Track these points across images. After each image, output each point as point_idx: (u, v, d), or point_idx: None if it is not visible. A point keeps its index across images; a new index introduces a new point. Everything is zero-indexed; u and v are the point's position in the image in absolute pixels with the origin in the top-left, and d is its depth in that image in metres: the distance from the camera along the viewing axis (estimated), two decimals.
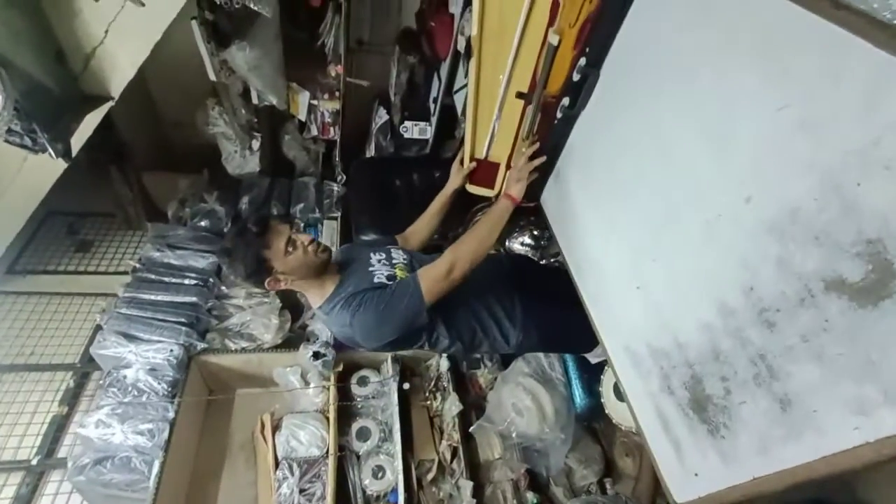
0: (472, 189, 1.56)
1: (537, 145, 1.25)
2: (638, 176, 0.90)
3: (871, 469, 0.51)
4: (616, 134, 0.96)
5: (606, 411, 1.62)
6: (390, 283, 1.19)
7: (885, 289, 0.48)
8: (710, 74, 0.72)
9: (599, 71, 0.99)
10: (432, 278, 1.14)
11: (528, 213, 2.27)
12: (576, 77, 1.01)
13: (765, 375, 0.62)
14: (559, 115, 1.10)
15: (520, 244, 2.23)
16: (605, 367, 1.67)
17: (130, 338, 1.84)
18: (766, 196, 0.63)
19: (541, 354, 1.90)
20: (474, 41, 1.17)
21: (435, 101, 2.54)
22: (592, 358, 1.61)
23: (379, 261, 1.29)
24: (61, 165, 1.83)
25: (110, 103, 1.67)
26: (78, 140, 1.71)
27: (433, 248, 1.54)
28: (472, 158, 1.48)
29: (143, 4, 1.33)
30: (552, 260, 2.02)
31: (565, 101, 1.06)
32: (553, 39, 1.02)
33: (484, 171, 1.51)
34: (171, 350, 1.82)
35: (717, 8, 0.69)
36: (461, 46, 2.17)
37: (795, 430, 0.58)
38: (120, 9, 1.42)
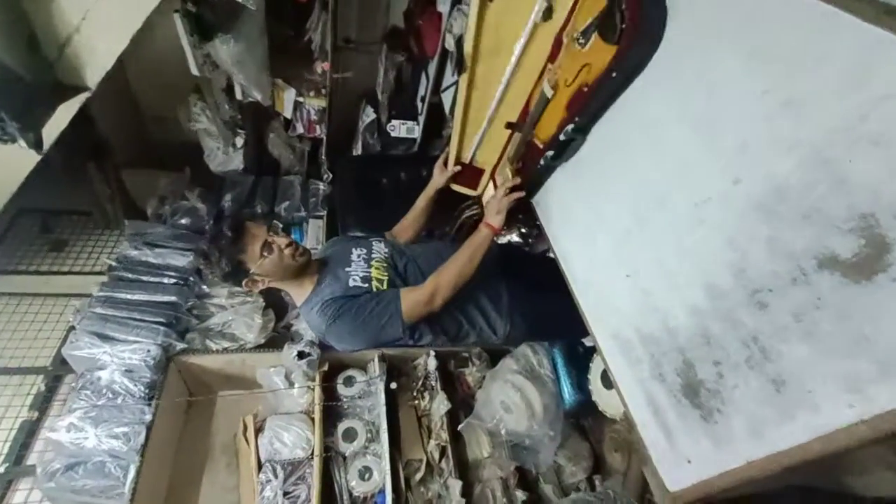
0: (455, 187, 1.56)
1: (518, 180, 1.27)
2: (625, 164, 0.90)
3: (866, 447, 0.50)
4: (604, 126, 0.96)
5: (594, 398, 1.62)
6: (365, 289, 1.18)
7: (878, 263, 0.48)
8: (695, 63, 0.72)
9: (586, 136, 1.01)
10: (413, 302, 1.16)
11: (518, 211, 2.28)
12: (562, 137, 1.02)
13: (758, 357, 0.62)
14: (542, 162, 1.13)
15: (507, 242, 2.22)
16: (594, 357, 1.67)
17: (105, 338, 1.77)
18: (754, 177, 0.62)
19: (529, 351, 1.89)
20: (468, 56, 1.17)
21: (422, 99, 2.53)
22: (588, 341, 1.61)
23: (358, 256, 1.28)
24: (33, 159, 1.76)
25: (87, 94, 1.61)
26: (51, 132, 1.65)
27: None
28: (457, 161, 1.48)
29: None
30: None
31: (549, 153, 1.09)
32: (547, 91, 1.04)
33: (468, 174, 1.52)
34: (149, 350, 1.75)
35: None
36: (449, 45, 2.17)
37: (790, 410, 0.57)
38: None
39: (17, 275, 2.36)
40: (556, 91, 1.02)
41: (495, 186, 1.46)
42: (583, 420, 1.94)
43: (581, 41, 0.91)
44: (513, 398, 1.75)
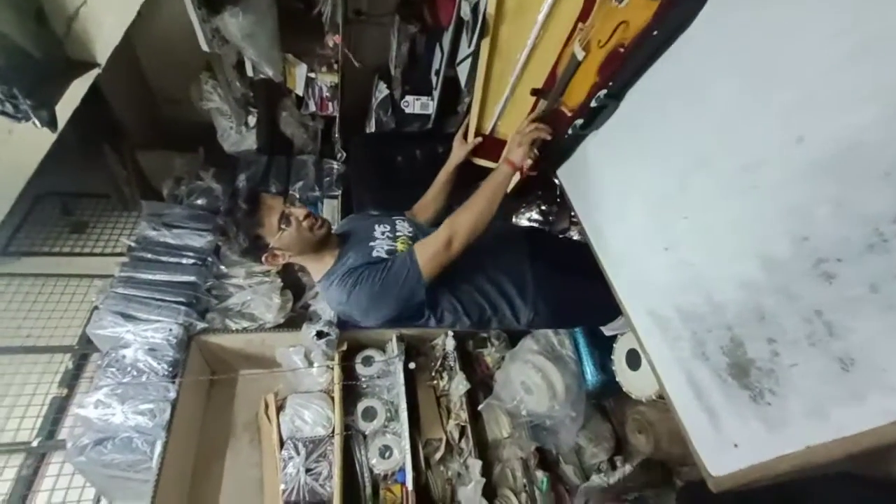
0: (477, 161, 1.50)
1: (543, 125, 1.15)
2: (663, 126, 0.82)
3: None
4: (638, 83, 0.88)
5: (618, 379, 1.58)
6: (388, 258, 1.12)
7: None
8: (744, 6, 0.64)
9: (619, 102, 0.92)
10: (430, 253, 1.08)
11: (536, 188, 2.20)
12: (593, 104, 0.94)
13: (821, 333, 0.56)
14: (570, 132, 1.05)
15: (527, 220, 2.16)
16: (617, 337, 1.62)
17: (128, 317, 1.79)
18: (821, 133, 0.55)
19: (550, 331, 1.85)
20: (490, 18, 1.10)
21: (437, 73, 2.43)
22: (607, 330, 1.55)
23: (383, 233, 1.22)
24: (49, 140, 1.75)
25: (97, 70, 1.58)
26: (65, 110, 1.63)
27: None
28: (477, 133, 1.41)
29: None
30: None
31: (578, 121, 1.01)
32: (578, 53, 0.95)
33: (489, 146, 1.45)
34: (171, 329, 1.76)
35: None
36: (465, 13, 2.06)
37: (860, 391, 0.51)
38: None
39: (40, 256, 2.40)
40: (588, 53, 0.94)
41: None
42: (604, 401, 1.90)
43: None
44: (533, 379, 1.72)
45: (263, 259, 1.12)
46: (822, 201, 0.56)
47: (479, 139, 1.41)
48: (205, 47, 2.05)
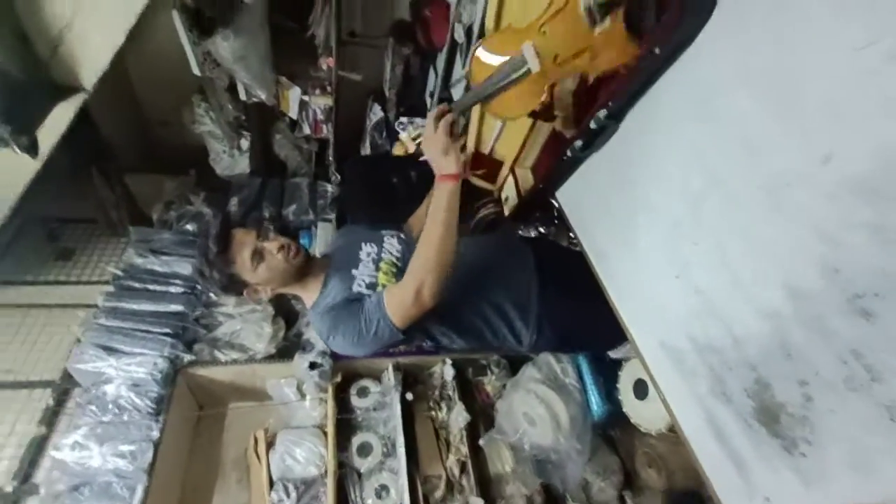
0: (473, 179, 1.46)
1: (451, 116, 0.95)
2: (672, 143, 0.77)
3: None
4: (643, 100, 0.84)
5: (625, 410, 1.50)
6: (367, 294, 1.06)
7: None
8: (759, 14, 0.60)
9: (620, 123, 0.87)
10: (397, 304, 0.99)
11: (535, 208, 2.16)
12: (593, 125, 0.89)
13: (861, 378, 0.50)
14: (568, 153, 0.99)
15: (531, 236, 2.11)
16: (623, 364, 1.55)
17: (111, 351, 1.71)
18: (852, 151, 0.50)
19: (552, 358, 1.78)
20: (488, 33, 1.07)
21: (431, 95, 2.43)
22: (614, 353, 1.48)
23: (368, 254, 1.17)
24: (33, 166, 1.70)
25: (83, 95, 1.54)
26: (50, 136, 1.59)
27: None
28: (475, 153, 1.38)
29: None
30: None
31: (578, 143, 0.95)
32: (532, 62, 0.83)
33: (486, 166, 1.41)
34: (156, 363, 1.68)
35: None
36: (459, 36, 2.06)
37: None
38: None
39: (23, 285, 2.32)
40: (541, 65, 0.82)
41: (515, 180, 1.34)
42: (611, 430, 1.82)
43: (592, 17, 0.72)
44: (536, 410, 1.64)
45: (245, 294, 1.08)
46: (855, 227, 0.50)
47: (473, 150, 1.37)
48: (196, 71, 2.03)
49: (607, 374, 1.61)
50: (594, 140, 0.95)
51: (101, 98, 1.67)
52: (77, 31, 1.39)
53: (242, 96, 2.29)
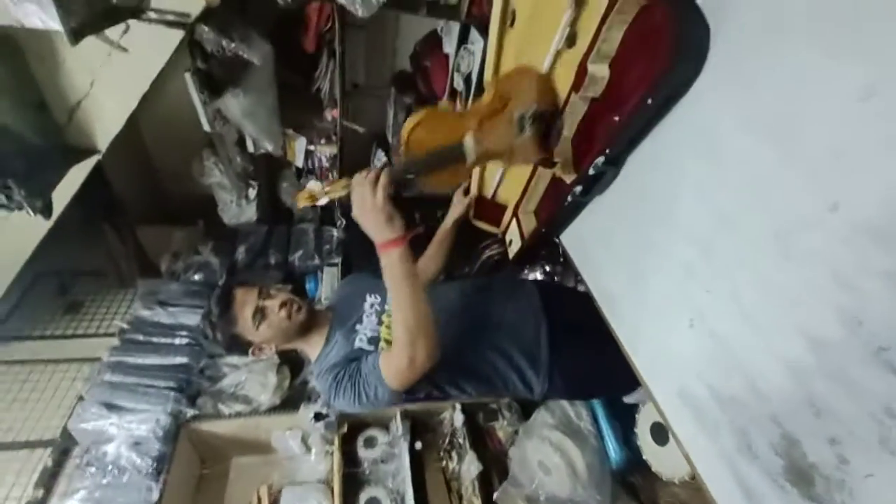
0: (477, 223, 1.46)
1: (385, 179, 0.90)
2: (677, 185, 0.77)
3: None
4: (649, 139, 0.85)
5: (645, 457, 1.42)
6: (367, 352, 1.05)
7: None
8: (756, 63, 0.61)
9: (619, 168, 0.89)
10: (395, 373, 0.95)
11: (540, 247, 2.15)
12: (592, 171, 0.90)
13: None
14: (570, 199, 1.00)
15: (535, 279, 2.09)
16: (639, 407, 1.48)
17: (113, 408, 1.68)
18: (860, 198, 0.50)
19: (566, 402, 1.72)
20: (487, 85, 1.10)
21: None
22: (628, 398, 1.43)
23: (371, 306, 1.16)
24: (45, 225, 1.74)
25: (97, 157, 1.60)
26: (64, 195, 1.63)
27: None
28: (478, 197, 1.40)
29: (126, 50, 1.27)
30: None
31: (577, 188, 0.96)
32: (468, 147, 0.90)
33: (490, 209, 1.42)
34: (158, 420, 1.64)
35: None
36: (458, 84, 2.14)
37: None
38: (106, 57, 1.37)
39: (31, 340, 2.32)
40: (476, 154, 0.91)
41: (518, 224, 1.35)
42: (630, 477, 1.72)
43: (521, 125, 0.84)
44: (552, 458, 1.57)
45: (250, 353, 1.07)
46: (872, 275, 0.49)
47: (476, 193, 1.38)
48: (206, 128, 2.11)
49: (624, 417, 1.54)
50: (594, 186, 0.95)
51: (113, 156, 1.74)
52: (95, 99, 1.46)
53: (250, 148, 2.36)
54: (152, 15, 1.34)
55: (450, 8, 1.89)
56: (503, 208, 1.38)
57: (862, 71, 0.49)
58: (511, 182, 1.28)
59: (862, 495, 0.50)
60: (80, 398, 1.73)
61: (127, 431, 1.61)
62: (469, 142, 0.88)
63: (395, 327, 0.94)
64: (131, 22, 1.32)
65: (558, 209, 1.09)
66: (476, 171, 1.33)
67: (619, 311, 0.96)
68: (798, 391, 0.57)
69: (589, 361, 1.18)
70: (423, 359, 0.93)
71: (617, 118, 0.81)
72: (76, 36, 1.10)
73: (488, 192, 1.36)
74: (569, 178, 1.00)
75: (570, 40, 0.92)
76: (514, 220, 1.38)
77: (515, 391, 1.18)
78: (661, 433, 1.38)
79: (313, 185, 0.92)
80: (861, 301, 0.50)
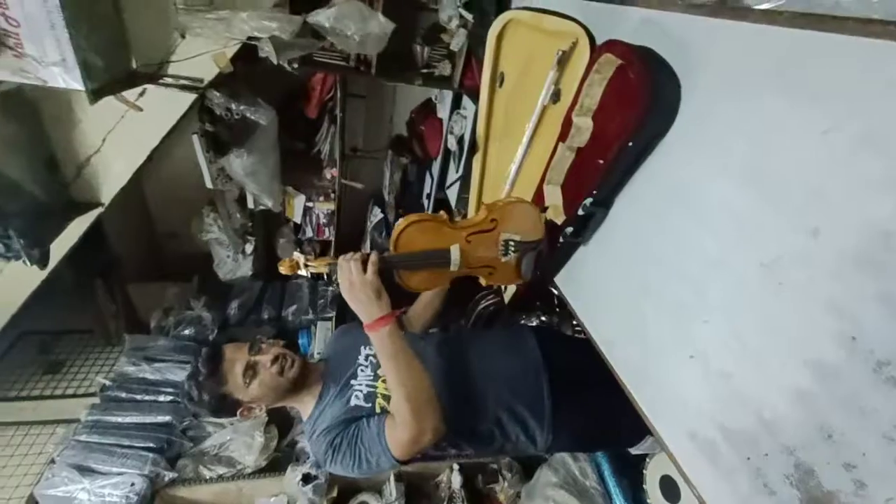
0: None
1: (375, 257, 0.93)
2: (661, 227, 0.81)
3: None
4: (630, 189, 0.90)
5: None
6: (367, 410, 1.02)
7: None
8: (725, 115, 0.67)
9: (608, 210, 0.95)
10: (401, 445, 0.94)
11: (535, 297, 2.16)
12: (581, 212, 0.96)
13: None
14: (562, 239, 1.05)
15: (538, 326, 2.07)
16: (646, 461, 1.41)
17: (85, 471, 1.56)
18: (841, 224, 0.53)
19: (569, 458, 1.63)
20: (479, 138, 1.19)
21: (428, 196, 2.59)
22: (635, 450, 1.36)
23: (367, 357, 1.13)
24: (38, 278, 1.73)
25: (99, 209, 1.63)
26: (60, 248, 1.64)
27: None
28: None
29: (141, 110, 1.36)
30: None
31: (568, 230, 1.02)
32: (454, 257, 0.97)
33: None
34: (133, 484, 1.53)
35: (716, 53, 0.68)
36: (451, 145, 2.27)
37: None
38: (120, 118, 1.45)
39: (4, 402, 2.19)
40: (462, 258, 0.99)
41: None
42: None
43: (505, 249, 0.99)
44: None
45: (238, 414, 1.03)
46: (862, 296, 0.51)
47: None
48: (209, 185, 2.18)
49: (630, 473, 1.46)
50: (584, 227, 0.99)
51: (114, 213, 1.78)
52: (104, 156, 1.52)
53: (250, 205, 2.43)
54: (168, 80, 1.45)
55: (443, 79, 2.05)
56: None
57: (820, 113, 0.54)
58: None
59: None
60: (51, 461, 1.61)
61: (98, 498, 1.48)
62: (455, 251, 0.95)
63: (396, 404, 0.93)
64: (147, 85, 1.41)
65: (551, 252, 1.12)
66: (472, 213, 1.37)
67: (620, 354, 0.95)
68: (807, 418, 0.57)
69: (594, 410, 1.14)
70: (430, 433, 0.93)
71: (602, 161, 0.87)
72: (96, 96, 1.18)
73: None
74: (560, 221, 1.04)
75: (556, 96, 1.00)
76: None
77: (518, 446, 1.13)
78: (671, 489, 1.30)
79: (297, 255, 0.95)
80: (853, 320, 0.51)
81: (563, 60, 0.94)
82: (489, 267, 1.02)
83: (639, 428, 1.00)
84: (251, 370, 1.01)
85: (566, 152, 1.00)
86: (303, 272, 0.96)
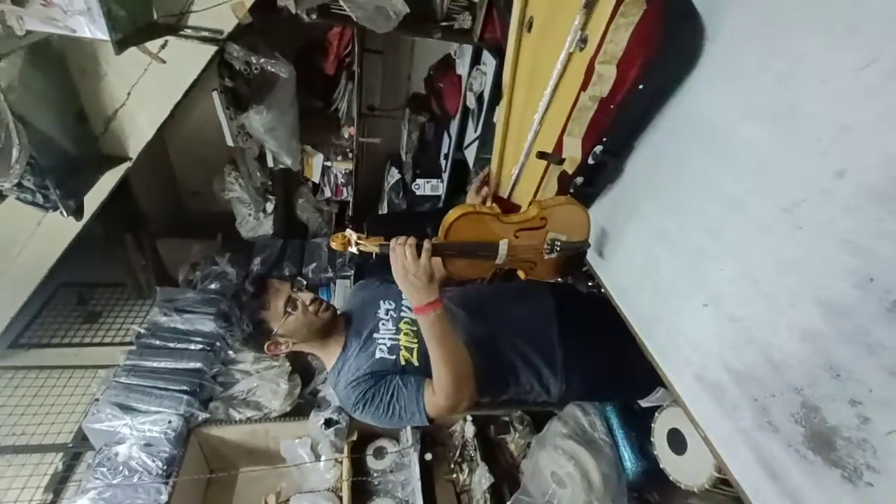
0: None
1: (429, 245, 0.94)
2: (684, 176, 0.80)
3: None
4: (648, 136, 0.88)
5: (661, 466, 1.38)
6: (391, 362, 1.06)
7: None
8: (754, 53, 0.65)
9: (621, 159, 0.93)
10: (436, 407, 1.01)
11: None
12: (591, 161, 0.93)
13: None
14: (571, 190, 1.04)
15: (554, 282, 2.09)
16: (655, 415, 1.45)
17: (127, 409, 1.69)
18: (866, 163, 0.52)
19: (578, 411, 1.68)
20: (505, 86, 1.16)
21: (446, 157, 2.57)
22: (645, 402, 1.40)
23: (387, 312, 1.17)
24: (73, 231, 1.81)
25: (128, 164, 1.68)
26: (93, 202, 1.71)
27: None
28: (495, 196, 1.42)
29: (164, 62, 1.37)
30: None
31: (578, 179, 1.00)
32: (502, 250, 0.99)
33: (505, 208, 1.45)
34: (170, 421, 1.65)
35: None
36: (470, 102, 2.23)
37: None
38: (143, 71, 1.47)
39: (48, 348, 2.36)
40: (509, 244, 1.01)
41: None
42: (648, 494, 1.66)
43: (550, 247, 1.01)
44: (565, 468, 1.52)
45: (266, 348, 1.08)
46: (881, 235, 0.50)
47: (493, 191, 1.40)
48: (230, 143, 2.20)
49: (639, 426, 1.50)
50: (594, 176, 0.97)
51: (141, 171, 1.83)
52: (130, 109, 1.55)
53: (270, 163, 2.45)
54: (188, 31, 1.44)
55: (463, 32, 1.99)
56: (518, 208, 1.40)
57: (855, 48, 0.52)
58: (525, 181, 1.30)
59: (884, 452, 0.50)
60: (96, 400, 1.74)
61: (139, 432, 1.62)
62: (504, 246, 1.00)
63: (439, 376, 0.99)
64: (169, 37, 1.42)
65: None
66: (494, 172, 1.37)
67: (632, 300, 0.97)
68: (817, 357, 0.58)
69: (604, 360, 1.17)
70: (467, 400, 1.00)
71: (612, 106, 0.85)
72: (121, 46, 1.19)
73: (504, 192, 1.38)
74: (572, 171, 1.03)
75: (582, 43, 0.97)
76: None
77: (531, 395, 1.17)
78: (678, 441, 1.34)
79: (350, 232, 0.98)
80: (871, 260, 0.51)
81: (590, 3, 0.90)
82: (531, 262, 1.06)
83: (650, 380, 1.03)
84: (292, 303, 1.07)
85: (588, 102, 0.98)
86: (353, 249, 0.99)
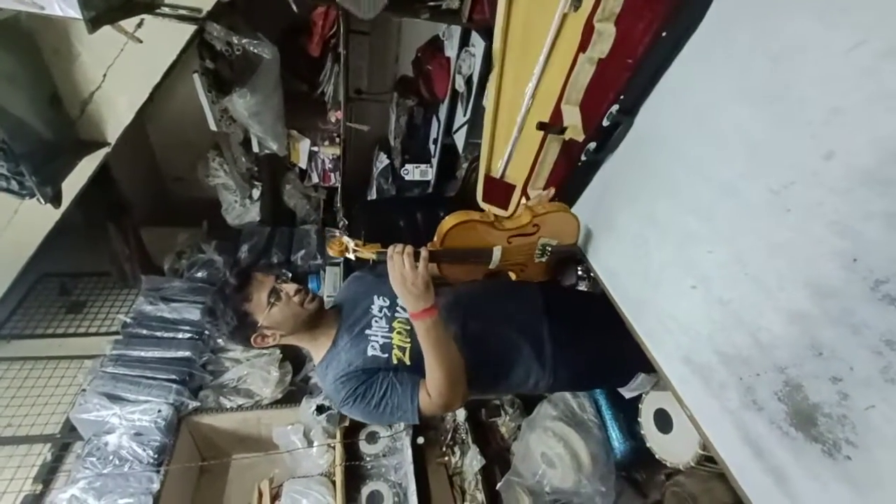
0: (485, 206, 1.47)
1: (426, 253, 0.96)
2: (676, 158, 0.80)
3: None
4: (643, 118, 0.88)
5: (648, 445, 1.42)
6: (383, 360, 1.05)
7: None
8: (747, 34, 0.64)
9: (633, 120, 0.91)
10: (430, 407, 1.00)
11: None
12: (606, 122, 0.92)
13: None
14: (583, 157, 1.01)
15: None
16: (643, 397, 1.48)
17: (115, 399, 1.67)
18: (854, 145, 0.52)
19: (568, 395, 1.71)
20: (496, 53, 1.12)
21: (435, 142, 2.54)
22: (627, 393, 1.43)
23: (380, 309, 1.14)
24: (52, 220, 1.76)
25: (106, 149, 1.63)
26: (72, 189, 1.66)
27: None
28: (486, 176, 1.40)
29: (140, 41, 1.31)
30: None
31: (591, 145, 0.98)
32: (496, 254, 1.07)
33: (498, 191, 1.42)
34: (160, 411, 1.64)
35: None
36: (459, 86, 2.19)
37: None
38: (119, 52, 1.41)
39: (32, 339, 2.32)
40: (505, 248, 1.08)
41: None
42: (635, 473, 1.71)
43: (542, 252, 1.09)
44: (555, 449, 1.56)
45: (252, 340, 1.05)
46: (867, 217, 0.51)
47: (484, 175, 1.39)
48: (213, 127, 2.14)
49: (627, 408, 1.54)
50: (608, 140, 0.95)
51: (121, 156, 1.77)
52: (106, 92, 1.49)
53: (255, 149, 2.40)
54: (166, 10, 1.39)
55: (451, 12, 1.94)
56: (511, 188, 1.37)
57: (848, 28, 0.52)
58: (519, 159, 1.27)
59: (862, 427, 0.51)
60: (83, 390, 1.72)
61: (129, 422, 1.60)
62: (497, 252, 1.06)
63: (433, 379, 0.99)
64: (145, 16, 1.36)
65: (571, 174, 1.10)
66: (485, 152, 1.34)
67: (622, 284, 0.97)
68: (801, 337, 0.59)
69: (591, 355, 1.19)
70: (459, 400, 1.02)
71: (630, 60, 0.83)
72: (94, 25, 1.14)
73: (496, 172, 1.35)
74: (581, 139, 1.01)
75: (577, 3, 0.93)
76: (522, 200, 1.38)
77: (519, 387, 1.18)
78: (664, 420, 1.38)
79: (346, 239, 1.00)
80: (857, 241, 0.52)
81: None
82: (522, 265, 1.12)
83: (633, 369, 1.03)
84: (275, 295, 1.04)
85: (586, 65, 0.95)
86: (350, 256, 0.99)
